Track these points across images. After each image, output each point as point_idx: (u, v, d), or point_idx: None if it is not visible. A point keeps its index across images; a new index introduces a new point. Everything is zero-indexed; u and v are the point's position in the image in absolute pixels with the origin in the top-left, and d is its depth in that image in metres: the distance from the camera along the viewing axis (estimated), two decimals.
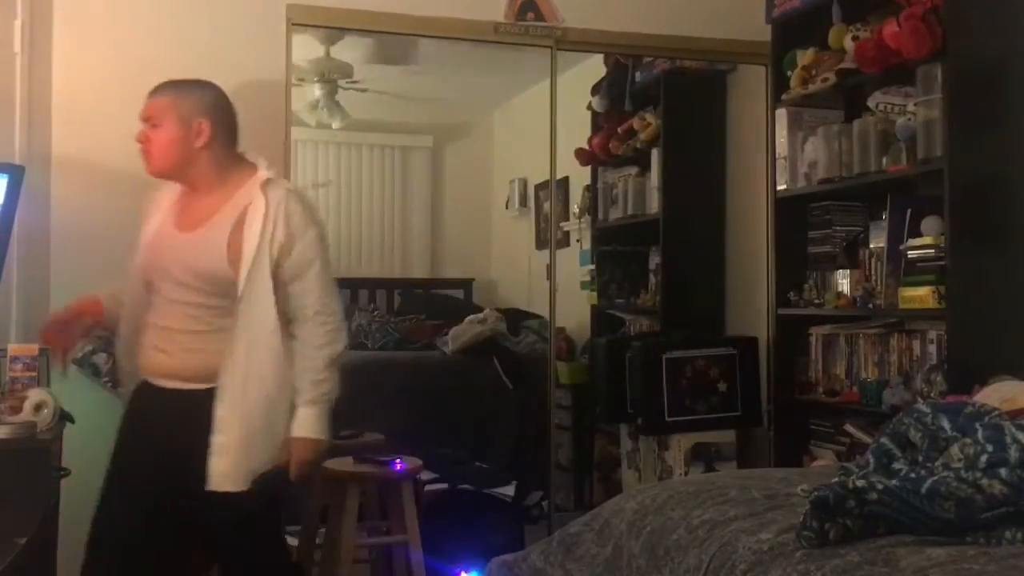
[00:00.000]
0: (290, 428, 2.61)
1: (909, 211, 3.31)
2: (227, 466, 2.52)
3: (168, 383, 2.62)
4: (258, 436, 2.57)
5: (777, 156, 3.90)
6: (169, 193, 2.75)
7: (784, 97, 3.86)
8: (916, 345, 3.35)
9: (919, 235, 3.24)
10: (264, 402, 2.58)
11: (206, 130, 2.67)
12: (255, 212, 2.61)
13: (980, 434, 1.95)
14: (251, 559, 2.68)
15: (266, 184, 2.64)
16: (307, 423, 2.64)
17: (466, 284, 5.56)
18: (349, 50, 4.73)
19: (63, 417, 2.51)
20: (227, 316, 2.58)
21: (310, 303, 2.65)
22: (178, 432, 2.56)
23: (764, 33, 3.97)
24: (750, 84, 4.34)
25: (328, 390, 2.66)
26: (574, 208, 5.21)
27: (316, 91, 4.93)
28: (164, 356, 2.61)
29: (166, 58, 3.49)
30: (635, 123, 4.86)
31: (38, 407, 2.38)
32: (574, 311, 4.94)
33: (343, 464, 3.29)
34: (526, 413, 4.55)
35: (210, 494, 2.51)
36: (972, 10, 3.11)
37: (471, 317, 5.04)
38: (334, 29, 4.06)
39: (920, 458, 2.05)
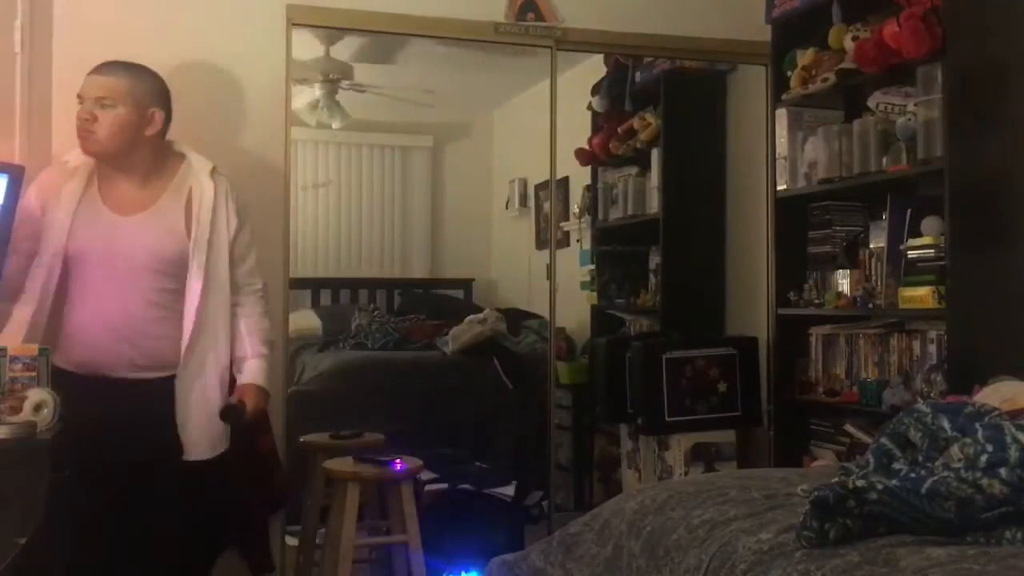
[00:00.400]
0: (243, 376, 2.83)
1: (909, 211, 3.31)
2: (197, 436, 2.74)
3: (131, 374, 2.71)
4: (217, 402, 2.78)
5: (777, 156, 3.90)
6: (73, 176, 2.73)
7: (784, 97, 3.86)
8: (916, 345, 3.35)
9: (919, 235, 3.24)
10: (221, 372, 2.78)
11: (159, 120, 2.78)
12: (203, 196, 2.76)
13: (980, 434, 1.95)
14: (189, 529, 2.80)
15: (213, 171, 2.81)
16: (261, 373, 2.85)
17: (466, 284, 5.56)
18: (349, 50, 4.73)
19: (63, 417, 2.50)
20: (180, 299, 2.73)
21: (256, 280, 2.92)
22: (147, 420, 2.67)
23: (764, 33, 3.98)
24: (750, 84, 4.34)
25: (271, 348, 2.92)
26: (574, 208, 5.21)
27: (316, 91, 4.93)
28: (127, 347, 2.70)
29: (166, 58, 3.49)
30: (635, 123, 4.86)
31: (38, 407, 2.37)
32: (574, 311, 4.93)
33: (343, 464, 3.29)
34: (526, 413, 4.54)
35: (178, 465, 2.69)
36: (972, 10, 3.11)
37: (471, 317, 5.04)
38: (334, 29, 4.06)
39: (920, 458, 2.05)
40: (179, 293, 2.74)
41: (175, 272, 2.73)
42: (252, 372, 2.84)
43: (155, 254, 2.72)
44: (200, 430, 2.75)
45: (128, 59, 3.43)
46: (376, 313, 5.22)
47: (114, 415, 2.63)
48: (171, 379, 2.74)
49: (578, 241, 5.20)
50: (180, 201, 2.77)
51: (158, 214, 2.74)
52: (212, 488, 2.84)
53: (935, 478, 1.86)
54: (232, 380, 2.89)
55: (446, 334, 4.95)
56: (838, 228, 3.69)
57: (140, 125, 2.74)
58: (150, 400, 2.70)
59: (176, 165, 2.83)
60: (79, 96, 2.73)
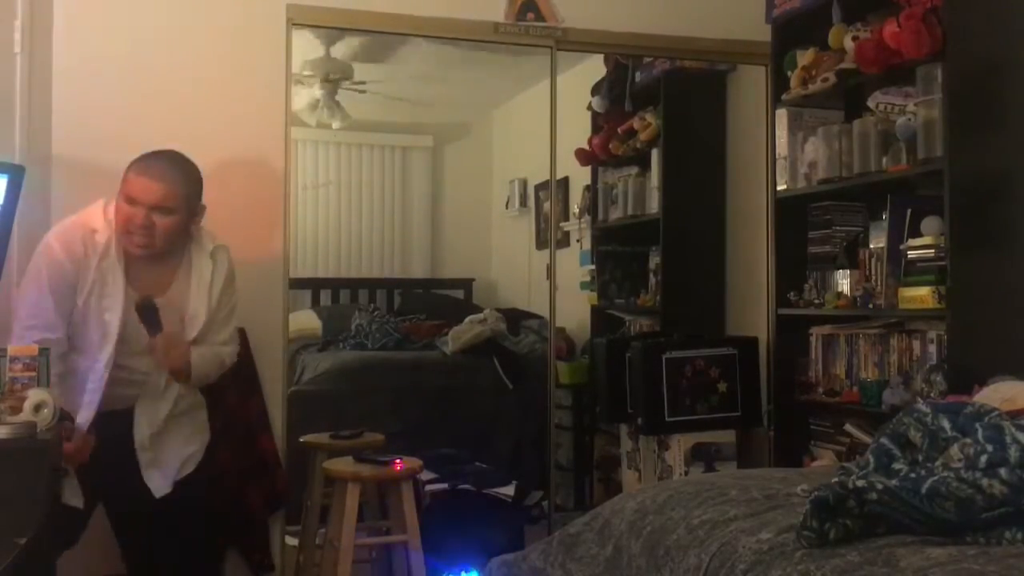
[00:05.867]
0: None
1: (909, 211, 3.31)
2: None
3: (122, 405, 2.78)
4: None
5: (777, 156, 3.90)
6: (106, 256, 2.70)
7: (784, 97, 3.86)
8: (916, 345, 3.35)
9: (919, 235, 3.24)
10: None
11: (203, 213, 2.82)
12: (201, 277, 2.80)
13: (980, 434, 1.96)
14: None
15: (214, 251, 2.84)
16: (198, 355, 2.79)
17: (466, 284, 5.56)
18: (349, 50, 4.73)
19: (63, 417, 2.50)
20: None
21: (232, 345, 2.93)
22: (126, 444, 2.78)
23: (764, 33, 3.98)
24: (750, 84, 4.34)
25: (206, 373, 2.86)
26: (574, 208, 5.21)
27: (316, 91, 4.93)
28: (117, 397, 2.75)
29: (166, 59, 3.50)
30: (635, 123, 4.86)
31: (38, 407, 2.37)
32: (574, 311, 4.94)
33: (343, 464, 3.29)
34: (526, 413, 4.55)
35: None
36: (972, 10, 3.10)
37: (471, 317, 5.05)
38: (334, 29, 4.06)
39: (920, 458, 2.05)
40: None
41: None
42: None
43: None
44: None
45: (127, 59, 3.46)
46: (376, 313, 5.22)
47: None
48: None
49: (578, 241, 5.20)
50: (188, 282, 2.81)
51: (171, 299, 2.77)
52: (205, 492, 2.92)
53: (935, 478, 1.86)
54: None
55: (446, 334, 4.95)
56: (838, 228, 3.69)
57: (189, 221, 2.77)
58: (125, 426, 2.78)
59: (186, 243, 2.83)
60: (129, 197, 2.67)
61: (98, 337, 2.69)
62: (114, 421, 2.73)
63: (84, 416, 2.66)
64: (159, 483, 2.79)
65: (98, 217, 2.73)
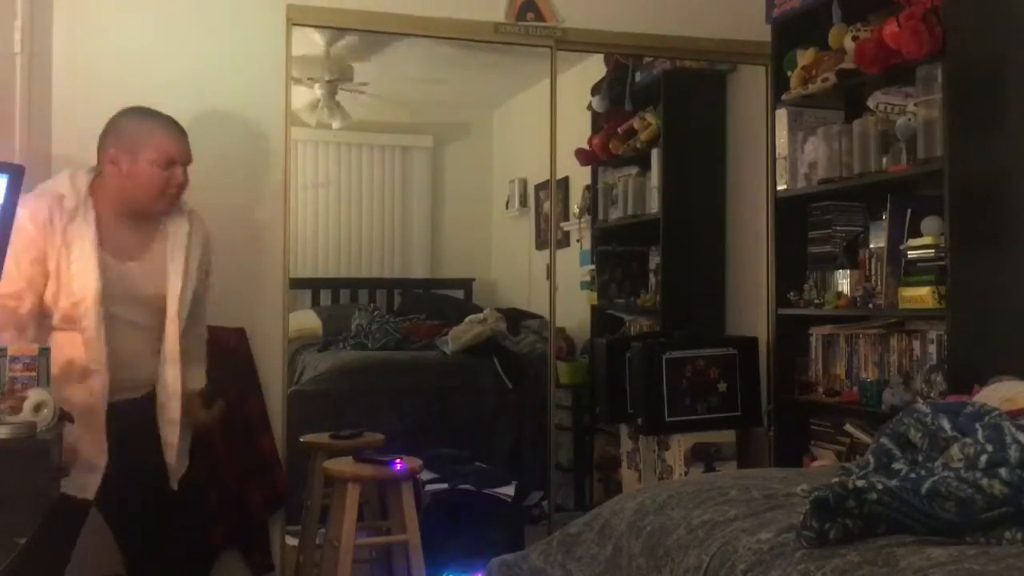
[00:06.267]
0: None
1: (909, 211, 3.31)
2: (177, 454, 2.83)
3: (116, 396, 2.73)
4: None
5: (777, 156, 3.91)
6: (74, 218, 2.65)
7: (784, 97, 3.86)
8: (916, 345, 3.35)
9: (919, 235, 3.24)
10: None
11: None
12: (181, 237, 2.79)
13: (980, 434, 1.96)
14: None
15: (190, 213, 2.85)
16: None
17: (466, 284, 5.56)
18: (349, 50, 4.73)
19: (63, 417, 2.50)
20: (161, 327, 2.78)
21: (203, 326, 2.99)
22: (137, 433, 2.75)
23: (764, 33, 3.98)
24: (750, 84, 4.35)
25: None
26: (574, 208, 5.21)
27: (316, 91, 4.94)
28: (122, 376, 2.73)
29: (166, 58, 3.50)
30: (635, 123, 4.86)
31: (38, 407, 2.37)
32: (574, 311, 4.94)
33: (343, 464, 3.29)
34: (526, 413, 4.55)
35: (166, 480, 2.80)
36: (972, 10, 3.11)
37: (471, 317, 5.05)
38: (334, 29, 4.06)
39: (920, 458, 2.05)
40: (161, 324, 2.79)
41: (163, 307, 2.79)
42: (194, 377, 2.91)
43: (153, 299, 2.77)
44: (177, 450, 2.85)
45: (127, 58, 3.47)
46: (376, 313, 5.22)
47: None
48: (140, 399, 2.79)
49: (578, 241, 5.20)
50: (165, 243, 2.79)
51: (153, 260, 2.77)
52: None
53: (935, 478, 1.86)
54: None
55: (446, 334, 4.95)
56: (838, 228, 3.70)
57: None
58: (140, 415, 2.77)
59: None
60: (169, 158, 2.69)
61: (73, 305, 2.64)
62: (117, 410, 2.72)
63: (101, 378, 2.67)
64: (175, 464, 2.81)
65: (65, 184, 2.70)
